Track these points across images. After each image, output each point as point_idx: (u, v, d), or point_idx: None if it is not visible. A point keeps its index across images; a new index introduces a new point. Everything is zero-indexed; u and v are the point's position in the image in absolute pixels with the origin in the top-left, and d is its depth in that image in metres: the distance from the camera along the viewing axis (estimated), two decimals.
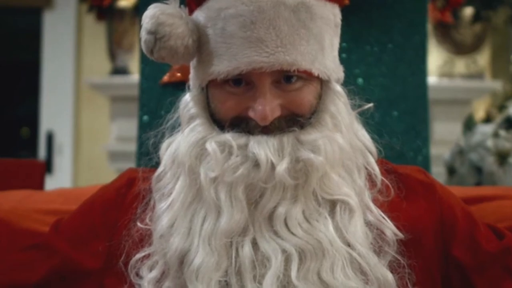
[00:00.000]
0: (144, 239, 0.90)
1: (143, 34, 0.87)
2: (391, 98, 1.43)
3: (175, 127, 0.94)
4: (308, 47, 0.85)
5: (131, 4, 3.54)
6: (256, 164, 0.84)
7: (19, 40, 4.27)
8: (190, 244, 0.85)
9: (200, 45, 0.89)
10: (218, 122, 0.90)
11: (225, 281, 0.82)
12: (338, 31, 0.94)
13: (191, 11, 0.91)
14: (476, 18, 3.46)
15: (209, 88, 0.91)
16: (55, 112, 3.86)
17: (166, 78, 1.38)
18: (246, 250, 0.82)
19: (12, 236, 1.13)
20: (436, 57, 3.54)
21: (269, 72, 0.84)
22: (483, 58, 3.68)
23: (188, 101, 0.93)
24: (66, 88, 3.86)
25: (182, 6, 0.90)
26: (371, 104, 0.96)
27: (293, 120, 0.87)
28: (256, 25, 0.83)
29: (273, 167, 0.84)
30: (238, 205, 0.84)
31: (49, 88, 3.86)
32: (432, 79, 3.31)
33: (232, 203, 0.84)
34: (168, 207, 0.89)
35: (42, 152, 3.88)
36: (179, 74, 1.36)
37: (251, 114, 0.86)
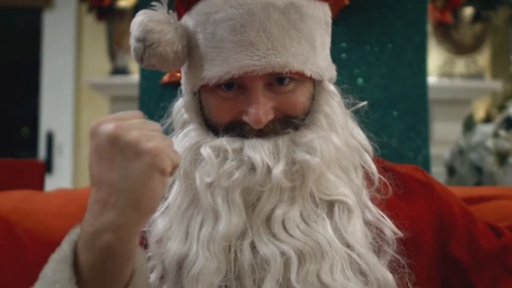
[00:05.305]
0: (141, 242, 0.90)
1: (132, 42, 0.86)
2: (390, 98, 1.43)
3: (168, 133, 0.93)
4: (300, 48, 0.84)
5: (131, 4, 3.54)
6: (252, 167, 0.83)
7: (19, 40, 4.27)
8: (189, 249, 0.84)
9: (190, 50, 0.88)
10: (212, 127, 0.89)
11: (225, 285, 0.82)
12: (329, 29, 0.92)
13: (179, 16, 0.90)
14: (476, 18, 3.46)
15: (201, 93, 0.90)
16: (55, 112, 3.86)
17: (166, 78, 1.38)
18: (245, 254, 0.82)
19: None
20: (436, 57, 3.54)
21: (261, 75, 0.83)
22: (483, 58, 3.68)
23: (180, 107, 0.93)
24: (66, 88, 3.87)
25: (170, 11, 0.89)
26: (365, 102, 0.96)
27: (287, 122, 0.87)
28: (246, 29, 0.82)
29: (269, 170, 0.83)
30: (235, 209, 0.83)
31: (49, 88, 3.86)
32: (432, 79, 3.31)
33: (230, 207, 0.83)
34: (163, 212, 0.88)
35: (42, 152, 3.88)
36: (179, 74, 1.35)
37: (245, 118, 0.85)
